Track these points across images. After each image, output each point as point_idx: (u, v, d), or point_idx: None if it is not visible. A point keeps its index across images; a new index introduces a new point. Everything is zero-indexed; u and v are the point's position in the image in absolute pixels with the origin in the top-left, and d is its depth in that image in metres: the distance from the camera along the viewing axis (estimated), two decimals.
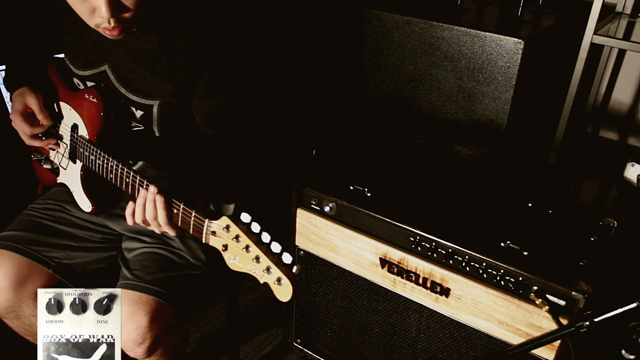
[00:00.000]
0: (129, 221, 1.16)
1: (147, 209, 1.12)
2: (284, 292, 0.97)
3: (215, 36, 1.27)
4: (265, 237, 0.98)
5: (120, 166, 1.21)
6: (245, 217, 1.00)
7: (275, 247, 0.98)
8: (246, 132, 1.35)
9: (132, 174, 1.18)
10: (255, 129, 1.37)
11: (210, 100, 1.30)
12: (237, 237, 1.00)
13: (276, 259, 0.98)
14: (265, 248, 0.98)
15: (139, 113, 1.33)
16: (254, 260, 0.98)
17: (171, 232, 1.15)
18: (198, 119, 1.33)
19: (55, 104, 1.40)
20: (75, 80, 1.40)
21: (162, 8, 1.26)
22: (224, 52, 1.28)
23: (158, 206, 1.11)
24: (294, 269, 0.97)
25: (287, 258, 0.97)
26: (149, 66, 1.29)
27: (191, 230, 1.10)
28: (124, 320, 1.17)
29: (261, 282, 0.99)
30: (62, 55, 1.46)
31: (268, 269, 0.97)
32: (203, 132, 1.34)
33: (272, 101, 2.52)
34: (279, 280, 0.97)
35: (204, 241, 1.08)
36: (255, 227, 0.99)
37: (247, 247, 0.99)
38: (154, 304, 1.26)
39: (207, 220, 1.06)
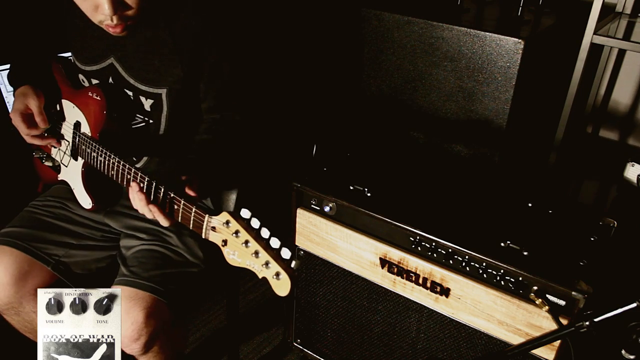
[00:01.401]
0: (137, 206, 1.17)
1: (138, 203, 1.13)
2: (282, 286, 0.98)
3: (221, 20, 1.28)
4: (265, 233, 0.99)
5: (121, 163, 1.22)
6: (245, 213, 1.01)
7: (275, 243, 0.99)
8: (251, 115, 1.36)
9: (133, 170, 1.19)
10: (260, 112, 1.38)
11: (216, 82, 1.32)
12: (237, 232, 1.01)
13: (275, 254, 0.99)
14: (265, 243, 0.99)
15: (148, 103, 1.34)
16: (253, 255, 0.99)
17: (165, 224, 1.16)
18: (204, 104, 1.35)
19: (57, 104, 1.41)
20: (81, 77, 1.41)
21: None
22: (230, 35, 1.30)
23: (139, 204, 1.12)
24: (293, 264, 0.98)
25: (285, 253, 0.98)
26: (157, 52, 1.30)
27: (191, 225, 1.11)
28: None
29: (260, 277, 1.00)
30: (67, 55, 1.47)
31: (267, 264, 0.98)
32: (209, 117, 1.35)
33: (272, 101, 2.52)
34: (277, 274, 0.98)
35: (203, 237, 1.08)
36: (255, 223, 1.00)
37: (246, 242, 1.00)
38: (150, 300, 1.27)
39: (207, 215, 1.07)
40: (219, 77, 1.32)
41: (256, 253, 0.99)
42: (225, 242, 1.04)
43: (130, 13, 1.16)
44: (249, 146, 1.38)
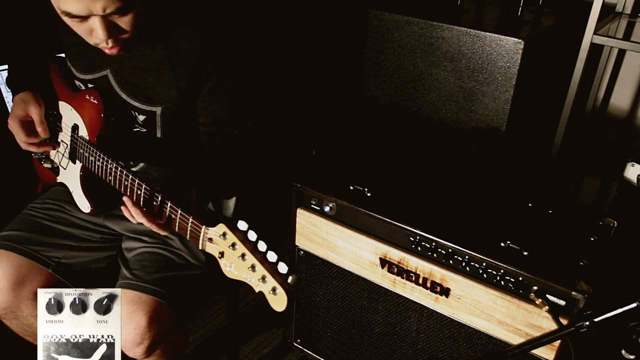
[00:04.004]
0: (133, 220, 1.17)
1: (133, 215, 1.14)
2: (278, 301, 0.98)
3: (220, 42, 1.27)
4: (262, 246, 0.98)
5: (119, 169, 1.20)
6: (242, 225, 1.00)
7: (271, 257, 0.97)
8: (249, 131, 1.35)
9: (130, 176, 1.17)
10: (258, 127, 1.38)
11: (215, 103, 1.31)
12: (233, 245, 1.00)
13: (272, 268, 0.97)
14: (261, 257, 0.98)
15: (141, 117, 1.34)
16: (250, 268, 0.98)
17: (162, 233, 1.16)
18: (202, 119, 1.34)
19: (55, 105, 1.40)
20: (77, 82, 1.40)
21: (166, 15, 1.26)
22: (229, 56, 1.29)
23: (136, 217, 1.12)
24: (290, 279, 0.97)
25: (282, 268, 0.97)
26: (153, 72, 1.29)
27: (188, 236, 1.10)
28: (123, 320, 1.18)
29: (256, 290, 0.99)
30: (63, 55, 1.46)
31: (263, 278, 0.97)
32: (205, 130, 1.34)
33: (272, 101, 2.52)
34: (274, 289, 0.97)
35: (200, 247, 1.08)
36: (252, 236, 0.99)
37: (243, 256, 0.99)
38: (153, 303, 1.26)
39: (204, 227, 1.05)
40: (217, 100, 1.31)
41: (253, 267, 0.98)
42: (222, 253, 1.03)
43: (125, 36, 1.15)
44: (248, 157, 1.37)
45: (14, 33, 1.51)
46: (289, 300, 0.97)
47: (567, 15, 2.09)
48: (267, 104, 2.47)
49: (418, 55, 1.92)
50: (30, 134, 1.33)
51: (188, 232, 1.10)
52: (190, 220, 1.08)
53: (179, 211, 1.10)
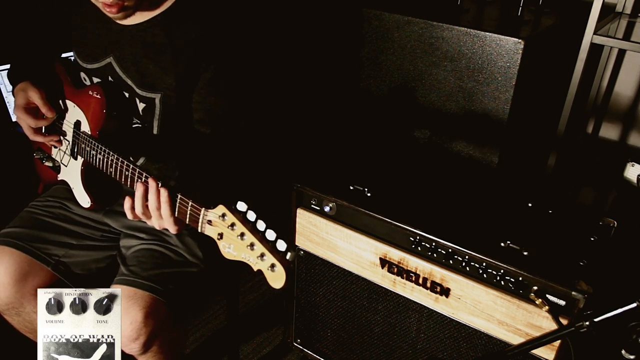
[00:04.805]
0: (129, 215, 1.17)
1: (150, 200, 1.13)
2: (277, 278, 0.99)
3: (222, 35, 1.28)
4: (261, 225, 1.00)
5: (120, 160, 1.22)
6: (241, 206, 1.02)
7: (270, 235, 0.99)
8: (242, 132, 1.36)
9: (131, 167, 1.19)
10: (252, 129, 1.39)
11: (210, 97, 1.32)
12: (232, 225, 1.02)
13: (270, 246, 0.99)
14: (261, 236, 1.00)
15: (141, 106, 1.34)
16: (249, 247, 1.00)
17: (172, 229, 1.16)
18: (196, 115, 1.35)
19: (61, 101, 1.41)
20: (82, 75, 1.42)
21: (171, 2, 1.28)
22: (229, 51, 1.30)
23: (162, 200, 1.12)
24: (288, 256, 0.99)
25: (281, 245, 0.99)
26: (153, 58, 1.31)
27: (187, 219, 1.12)
28: None
29: (255, 269, 1.01)
30: (69, 54, 1.47)
31: (262, 256, 0.99)
32: (199, 130, 1.35)
33: (272, 101, 2.52)
34: (272, 266, 0.98)
35: (199, 230, 1.09)
36: (251, 216, 1.01)
37: (242, 235, 1.01)
38: (149, 299, 1.27)
39: (203, 209, 1.07)
40: (212, 94, 1.32)
41: (252, 245, 1.00)
42: (221, 235, 1.04)
43: None
44: (241, 159, 1.37)
45: (18, 31, 1.52)
46: (287, 277, 0.98)
47: (567, 15, 2.09)
48: (266, 103, 2.47)
49: (418, 55, 1.92)
50: (38, 117, 1.34)
51: (187, 215, 1.11)
52: (190, 203, 1.09)
53: (179, 195, 1.11)
